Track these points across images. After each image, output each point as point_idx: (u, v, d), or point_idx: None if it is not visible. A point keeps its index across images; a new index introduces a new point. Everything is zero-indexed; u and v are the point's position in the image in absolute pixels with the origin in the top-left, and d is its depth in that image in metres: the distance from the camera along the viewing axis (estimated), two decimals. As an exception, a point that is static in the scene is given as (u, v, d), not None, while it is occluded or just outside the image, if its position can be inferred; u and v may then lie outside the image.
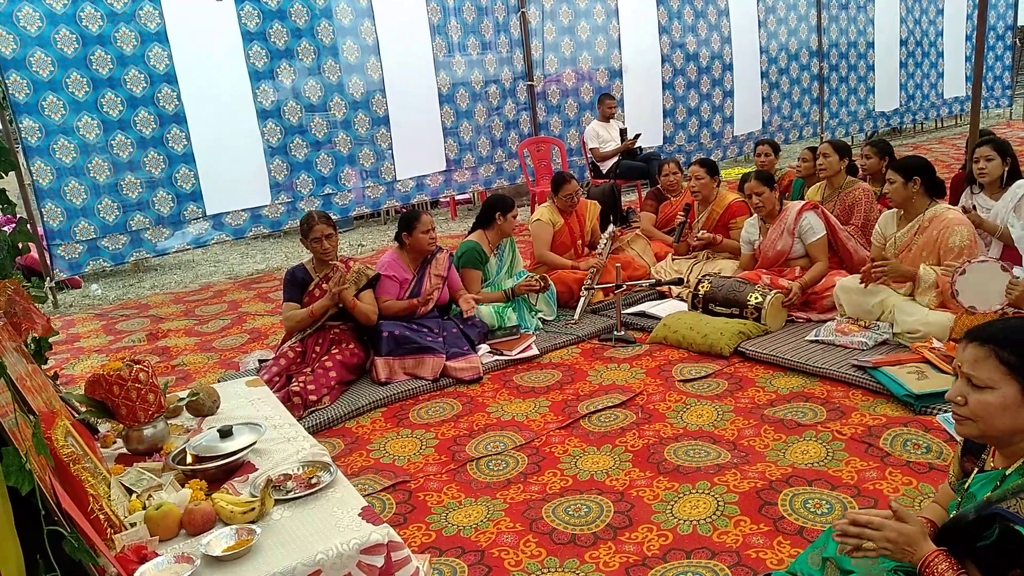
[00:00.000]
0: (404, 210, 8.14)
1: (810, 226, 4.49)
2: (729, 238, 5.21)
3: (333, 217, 7.33)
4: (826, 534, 1.92)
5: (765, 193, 4.60)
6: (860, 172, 5.45)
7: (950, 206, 4.03)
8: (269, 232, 7.52)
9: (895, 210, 4.12)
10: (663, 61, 9.16)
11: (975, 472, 1.67)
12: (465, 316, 4.41)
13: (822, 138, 10.44)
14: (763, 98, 10.08)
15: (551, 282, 4.85)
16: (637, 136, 7.85)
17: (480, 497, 2.97)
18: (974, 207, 4.43)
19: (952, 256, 3.77)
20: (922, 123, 12.99)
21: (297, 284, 4.14)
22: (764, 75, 10.01)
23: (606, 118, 7.99)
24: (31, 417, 1.79)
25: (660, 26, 9.05)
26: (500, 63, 8.25)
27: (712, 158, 9.85)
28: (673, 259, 5.40)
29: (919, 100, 11.79)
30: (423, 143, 7.87)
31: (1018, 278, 3.46)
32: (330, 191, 7.38)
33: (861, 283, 4.03)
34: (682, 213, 5.35)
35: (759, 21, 9.81)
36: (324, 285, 4.09)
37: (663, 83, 9.22)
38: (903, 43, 11.26)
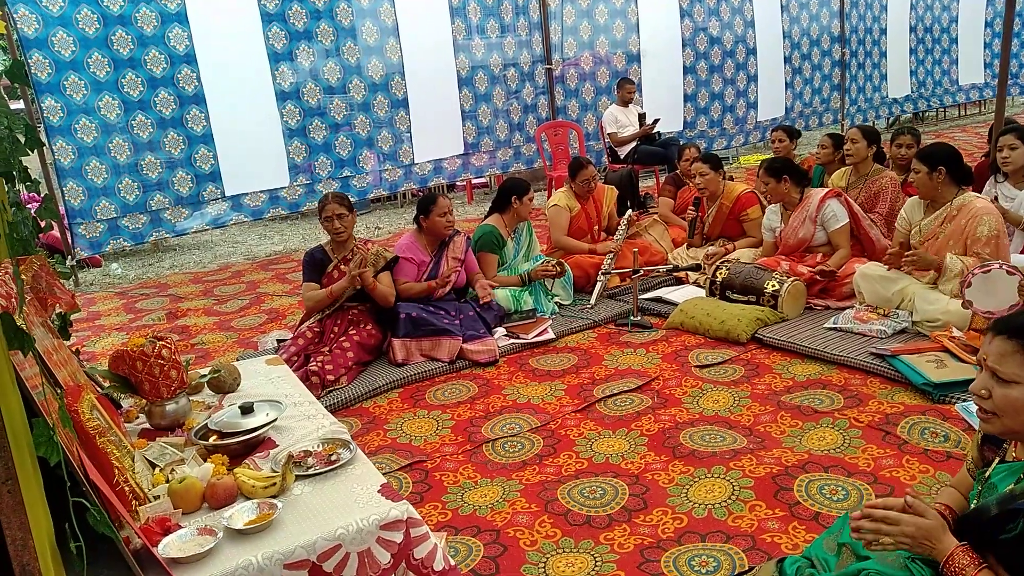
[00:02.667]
0: (421, 193, 8.17)
1: (833, 214, 4.45)
2: (742, 230, 5.18)
3: (351, 200, 7.47)
4: (842, 519, 1.92)
5: (771, 184, 4.57)
6: (889, 160, 5.35)
7: (977, 195, 3.97)
8: (287, 214, 7.55)
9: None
10: (684, 45, 9.08)
11: (996, 461, 1.66)
12: (481, 302, 4.43)
13: (843, 125, 10.33)
14: (786, 84, 9.98)
15: (567, 267, 4.85)
16: (656, 121, 7.79)
17: (496, 478, 3.00)
18: (996, 198, 4.37)
19: (980, 245, 3.71)
20: (944, 110, 12.81)
21: (316, 265, 4.16)
22: (787, 60, 9.90)
23: (625, 103, 7.93)
24: (57, 390, 1.82)
25: (682, 9, 8.97)
26: (519, 46, 8.21)
27: (734, 144, 9.81)
28: (689, 248, 5.38)
29: (931, 87, 11.61)
30: (441, 126, 7.86)
31: None
32: (348, 173, 7.39)
33: (885, 263, 4.01)
34: (692, 208, 5.32)
35: (781, 5, 9.70)
36: (342, 267, 4.11)
37: (684, 67, 9.15)
38: (912, 29, 11.09)
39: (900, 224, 4.14)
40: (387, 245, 4.43)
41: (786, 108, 10.05)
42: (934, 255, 3.85)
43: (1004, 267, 3.44)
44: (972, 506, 1.64)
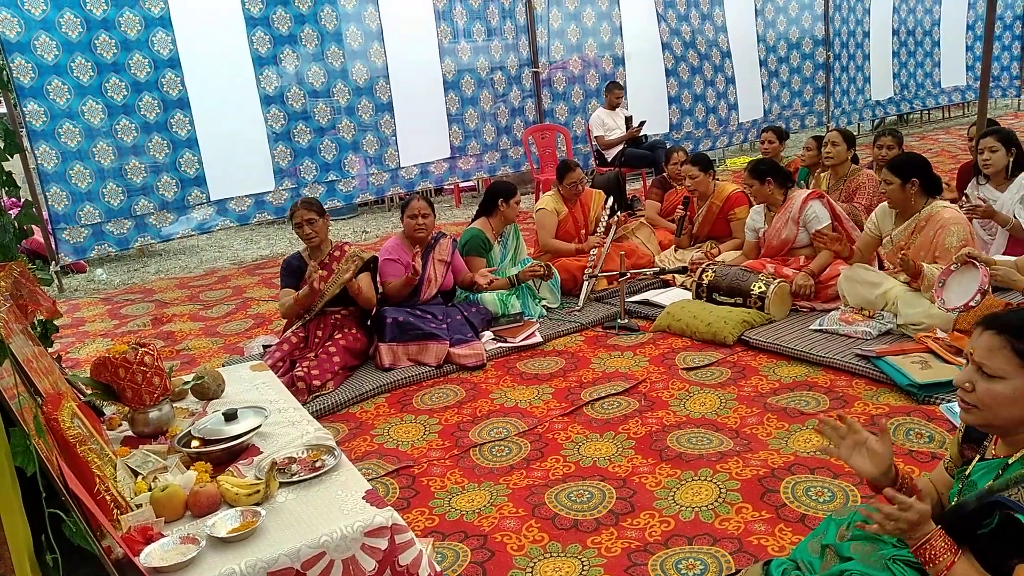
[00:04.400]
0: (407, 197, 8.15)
1: (815, 215, 4.47)
2: (729, 230, 5.21)
3: (336, 204, 7.46)
4: (826, 522, 1.93)
5: (755, 186, 4.59)
6: (873, 162, 5.42)
7: (947, 204, 3.99)
8: (273, 219, 7.51)
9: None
10: (664, 48, 9.12)
11: (976, 460, 1.67)
12: (484, 288, 4.43)
13: (828, 127, 10.39)
14: (763, 87, 10.03)
15: (555, 270, 4.85)
16: (642, 123, 7.81)
17: (483, 482, 2.99)
18: (982, 200, 4.41)
19: (950, 256, 3.73)
20: (928, 113, 12.91)
21: (292, 272, 4.14)
22: (763, 64, 9.95)
23: (612, 106, 7.95)
24: (37, 399, 1.80)
25: (658, 14, 9.00)
26: (506, 49, 8.21)
27: (719, 145, 9.84)
28: (676, 249, 5.40)
29: (913, 89, 11.70)
30: (427, 130, 7.85)
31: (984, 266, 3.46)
32: (334, 177, 7.37)
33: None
34: (681, 207, 5.34)
35: (756, 9, 9.74)
36: (321, 271, 4.07)
37: (665, 70, 9.17)
38: (895, 32, 11.18)
39: (869, 227, 4.18)
40: (373, 249, 4.41)
41: (764, 110, 10.09)
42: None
43: (966, 265, 3.48)
44: (952, 503, 1.65)
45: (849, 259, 4.19)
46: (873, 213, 4.20)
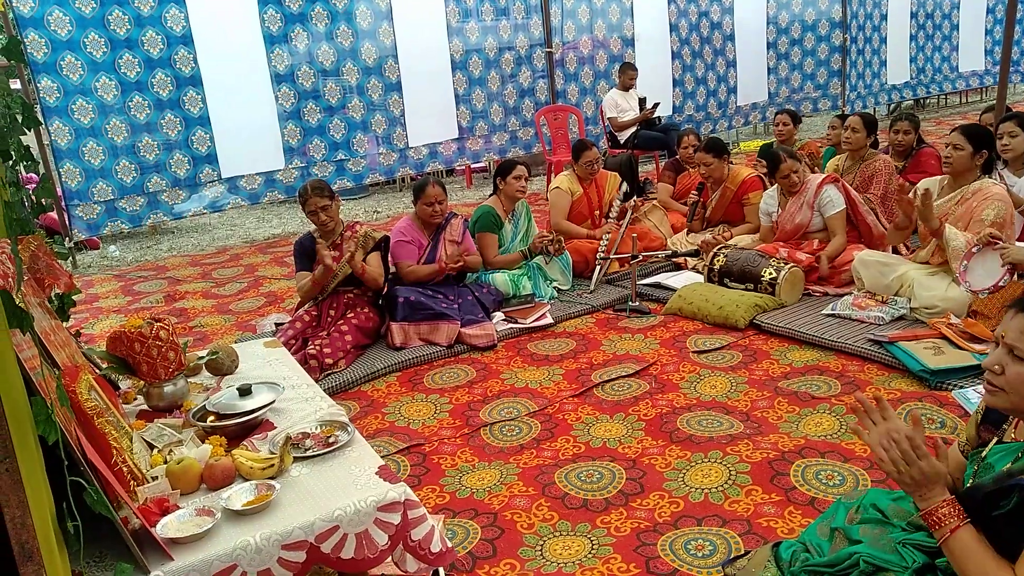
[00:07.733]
0: (418, 178, 8.14)
1: (830, 199, 4.44)
2: (742, 214, 5.18)
3: (346, 184, 7.46)
4: (836, 505, 1.93)
5: (799, 169, 4.53)
6: (889, 147, 5.38)
7: (995, 182, 3.93)
8: (284, 198, 7.52)
9: (939, 178, 4.03)
10: (671, 30, 9.04)
11: (994, 442, 1.66)
12: (447, 269, 4.35)
13: (843, 111, 10.28)
14: (769, 69, 9.92)
15: (567, 251, 4.84)
16: (656, 105, 7.74)
17: (493, 461, 3.01)
18: (1001, 178, 4.37)
19: (983, 227, 3.68)
20: (945, 97, 12.76)
21: (306, 253, 4.14)
22: (772, 46, 9.84)
23: (625, 87, 7.89)
24: (55, 371, 1.82)
25: None
26: (515, 29, 8.15)
27: (719, 127, 9.77)
28: (689, 232, 5.38)
29: (930, 73, 11.54)
30: (435, 110, 7.82)
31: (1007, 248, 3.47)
32: (343, 157, 7.36)
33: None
34: (695, 192, 5.31)
35: None
36: (332, 252, 4.08)
37: (672, 52, 9.11)
38: (913, 15, 11.02)
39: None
40: (385, 229, 4.42)
41: (769, 93, 9.99)
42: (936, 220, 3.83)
43: (990, 246, 3.49)
44: (967, 486, 1.65)
45: (902, 228, 4.09)
46: (916, 187, 4.14)
